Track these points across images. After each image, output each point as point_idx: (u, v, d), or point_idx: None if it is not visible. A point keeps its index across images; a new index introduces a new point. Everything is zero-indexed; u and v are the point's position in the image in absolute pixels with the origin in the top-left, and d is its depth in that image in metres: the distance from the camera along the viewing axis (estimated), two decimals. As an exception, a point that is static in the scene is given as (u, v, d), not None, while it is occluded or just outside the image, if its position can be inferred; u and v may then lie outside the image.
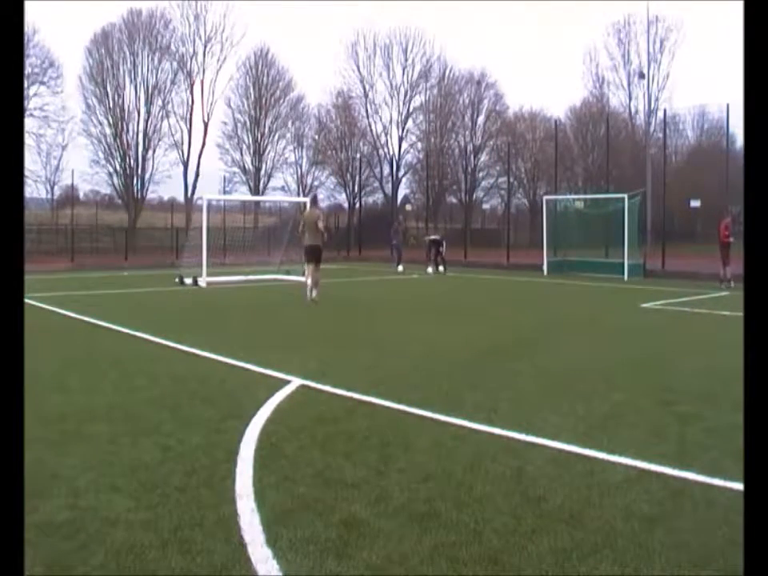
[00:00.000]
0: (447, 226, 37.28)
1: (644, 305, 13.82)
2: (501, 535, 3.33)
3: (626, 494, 3.87)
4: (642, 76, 44.95)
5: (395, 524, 3.45)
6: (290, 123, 44.81)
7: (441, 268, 22.73)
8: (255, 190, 43.26)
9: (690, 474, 4.16)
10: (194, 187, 42.41)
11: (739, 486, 3.87)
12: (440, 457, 4.46)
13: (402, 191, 46.15)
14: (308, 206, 14.93)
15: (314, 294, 13.40)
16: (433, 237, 23.91)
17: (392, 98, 45.82)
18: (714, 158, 42.56)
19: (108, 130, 40.39)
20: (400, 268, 23.38)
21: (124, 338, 9.27)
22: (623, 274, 20.86)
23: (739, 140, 41.50)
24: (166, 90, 41.58)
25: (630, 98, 48.89)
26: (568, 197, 27.36)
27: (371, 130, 45.85)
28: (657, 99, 46.30)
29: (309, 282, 13.61)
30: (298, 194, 41.49)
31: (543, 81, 76.31)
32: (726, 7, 67.23)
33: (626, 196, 21.73)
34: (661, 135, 43.81)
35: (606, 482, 4.06)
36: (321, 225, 13.64)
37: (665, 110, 29.87)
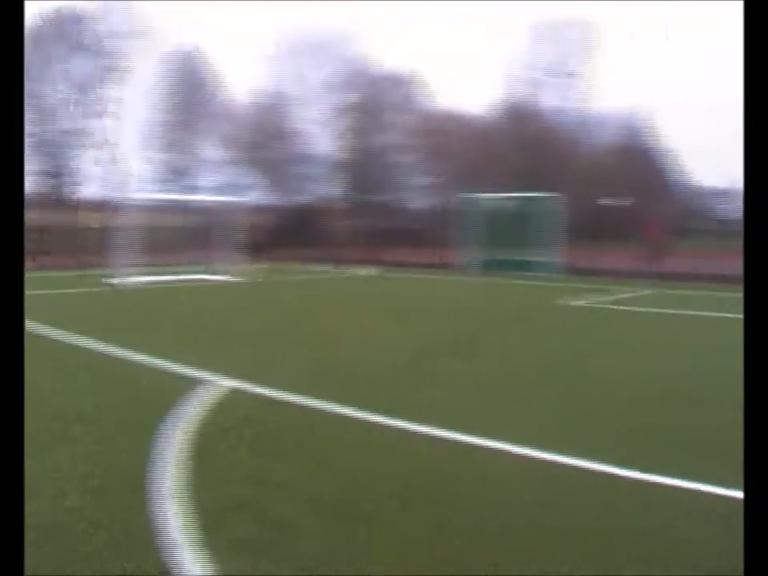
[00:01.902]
0: (375, 225, 36.58)
1: (570, 302, 13.97)
2: (432, 535, 3.37)
3: (561, 488, 3.96)
4: (569, 76, 45.39)
5: (327, 524, 3.46)
6: (219, 123, 44.02)
7: (372, 269, 22.62)
8: (184, 190, 42.08)
9: (621, 470, 4.23)
10: (122, 186, 41.34)
11: (671, 481, 4.02)
12: (373, 457, 4.48)
13: (331, 190, 45.45)
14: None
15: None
16: (362, 227, 23.85)
17: (320, 97, 45.15)
18: (639, 157, 43.22)
19: (34, 129, 39.17)
20: (333, 268, 23.26)
21: (41, 341, 8.68)
22: (549, 272, 21.08)
23: (662, 140, 42.09)
24: (95, 88, 40.37)
25: (558, 99, 48.58)
26: (493, 195, 26.84)
27: (300, 130, 45.06)
28: (584, 99, 46.33)
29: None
30: (227, 194, 41.00)
31: (472, 81, 74.99)
32: (651, 8, 68.77)
33: (551, 194, 21.96)
34: (588, 135, 44.25)
35: (541, 478, 4.14)
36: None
37: (590, 110, 30.15)
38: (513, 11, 71.08)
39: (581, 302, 14.00)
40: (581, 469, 4.29)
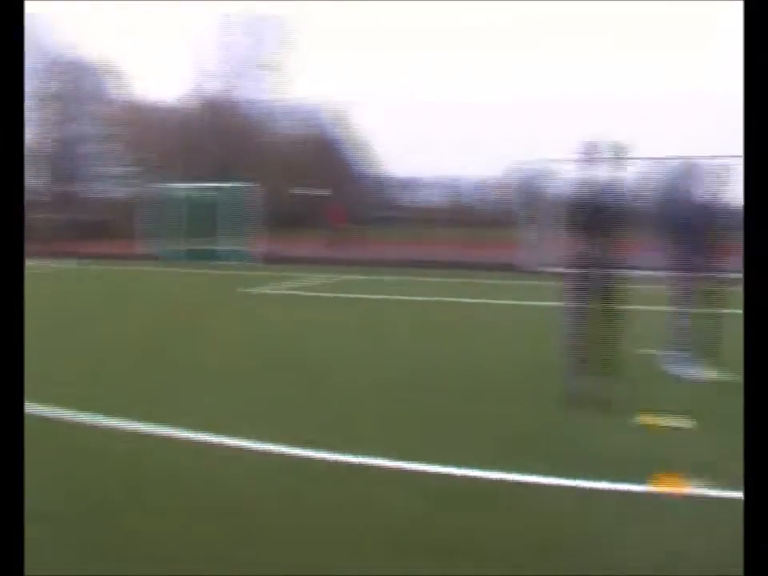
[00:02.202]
0: (73, 216, 34.26)
1: (255, 290, 14.28)
2: (152, 534, 3.35)
3: (277, 479, 4.04)
4: (264, 69, 45.72)
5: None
6: None
7: (69, 262, 22.15)
8: None
9: (329, 454, 4.38)
10: None
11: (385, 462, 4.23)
12: (79, 458, 4.37)
13: (30, 181, 44.16)
14: None
15: None
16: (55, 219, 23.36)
17: (20, 86, 44.58)
18: (332, 148, 45.04)
19: None
20: (35, 263, 22.76)
21: None
22: (241, 260, 21.28)
23: (355, 132, 42.89)
24: None
25: (253, 91, 48.33)
26: (187, 185, 26.59)
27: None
28: (279, 91, 46.33)
29: None
30: None
31: (169, 72, 72.59)
32: (344, 9, 69.64)
33: (244, 184, 22.30)
34: (283, 126, 44.80)
35: (254, 468, 4.21)
36: None
37: (285, 102, 30.38)
38: (210, 5, 69.71)
39: (266, 290, 14.43)
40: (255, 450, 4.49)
